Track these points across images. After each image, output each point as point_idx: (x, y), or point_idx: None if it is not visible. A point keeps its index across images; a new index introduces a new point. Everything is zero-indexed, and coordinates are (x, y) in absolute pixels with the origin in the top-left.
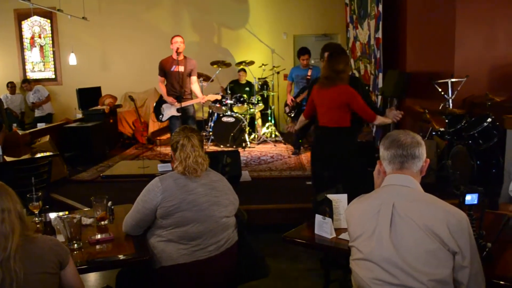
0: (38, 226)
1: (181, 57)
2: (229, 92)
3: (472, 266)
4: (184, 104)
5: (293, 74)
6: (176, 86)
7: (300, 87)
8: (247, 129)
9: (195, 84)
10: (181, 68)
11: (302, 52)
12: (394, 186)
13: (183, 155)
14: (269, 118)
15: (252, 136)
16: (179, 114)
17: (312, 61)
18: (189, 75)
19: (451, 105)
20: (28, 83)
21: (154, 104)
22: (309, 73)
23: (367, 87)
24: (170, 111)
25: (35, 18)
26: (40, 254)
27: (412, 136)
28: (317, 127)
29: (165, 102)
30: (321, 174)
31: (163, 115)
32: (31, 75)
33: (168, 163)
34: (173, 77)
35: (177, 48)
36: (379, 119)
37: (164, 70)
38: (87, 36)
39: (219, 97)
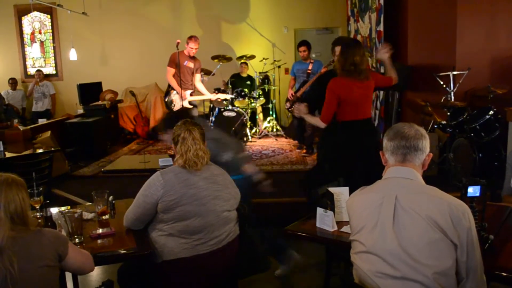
0: (39, 221)
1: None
2: (230, 86)
3: (469, 259)
4: (192, 99)
5: (295, 68)
6: (187, 81)
7: (301, 82)
8: (249, 123)
9: (200, 82)
10: (191, 65)
11: (300, 44)
12: (396, 178)
13: (184, 148)
14: (271, 112)
15: (253, 131)
16: (191, 107)
17: (313, 55)
18: (194, 72)
19: (453, 97)
20: (42, 74)
21: (164, 95)
22: (309, 67)
23: None
24: (181, 102)
25: (35, 13)
26: (39, 247)
27: (417, 128)
28: (351, 123)
29: (172, 89)
30: (354, 169)
31: (174, 105)
32: (31, 71)
33: (169, 158)
34: (186, 72)
35: (190, 52)
36: (390, 71)
37: (177, 63)
38: (87, 32)
39: (228, 97)
